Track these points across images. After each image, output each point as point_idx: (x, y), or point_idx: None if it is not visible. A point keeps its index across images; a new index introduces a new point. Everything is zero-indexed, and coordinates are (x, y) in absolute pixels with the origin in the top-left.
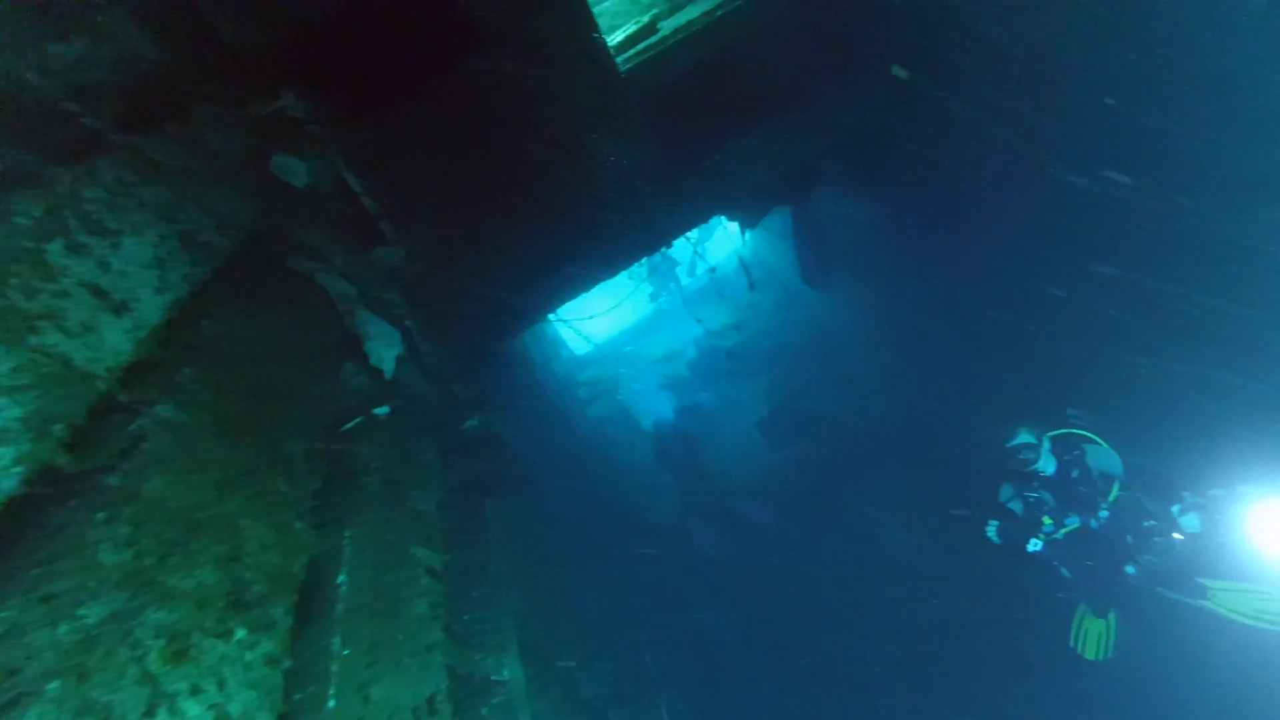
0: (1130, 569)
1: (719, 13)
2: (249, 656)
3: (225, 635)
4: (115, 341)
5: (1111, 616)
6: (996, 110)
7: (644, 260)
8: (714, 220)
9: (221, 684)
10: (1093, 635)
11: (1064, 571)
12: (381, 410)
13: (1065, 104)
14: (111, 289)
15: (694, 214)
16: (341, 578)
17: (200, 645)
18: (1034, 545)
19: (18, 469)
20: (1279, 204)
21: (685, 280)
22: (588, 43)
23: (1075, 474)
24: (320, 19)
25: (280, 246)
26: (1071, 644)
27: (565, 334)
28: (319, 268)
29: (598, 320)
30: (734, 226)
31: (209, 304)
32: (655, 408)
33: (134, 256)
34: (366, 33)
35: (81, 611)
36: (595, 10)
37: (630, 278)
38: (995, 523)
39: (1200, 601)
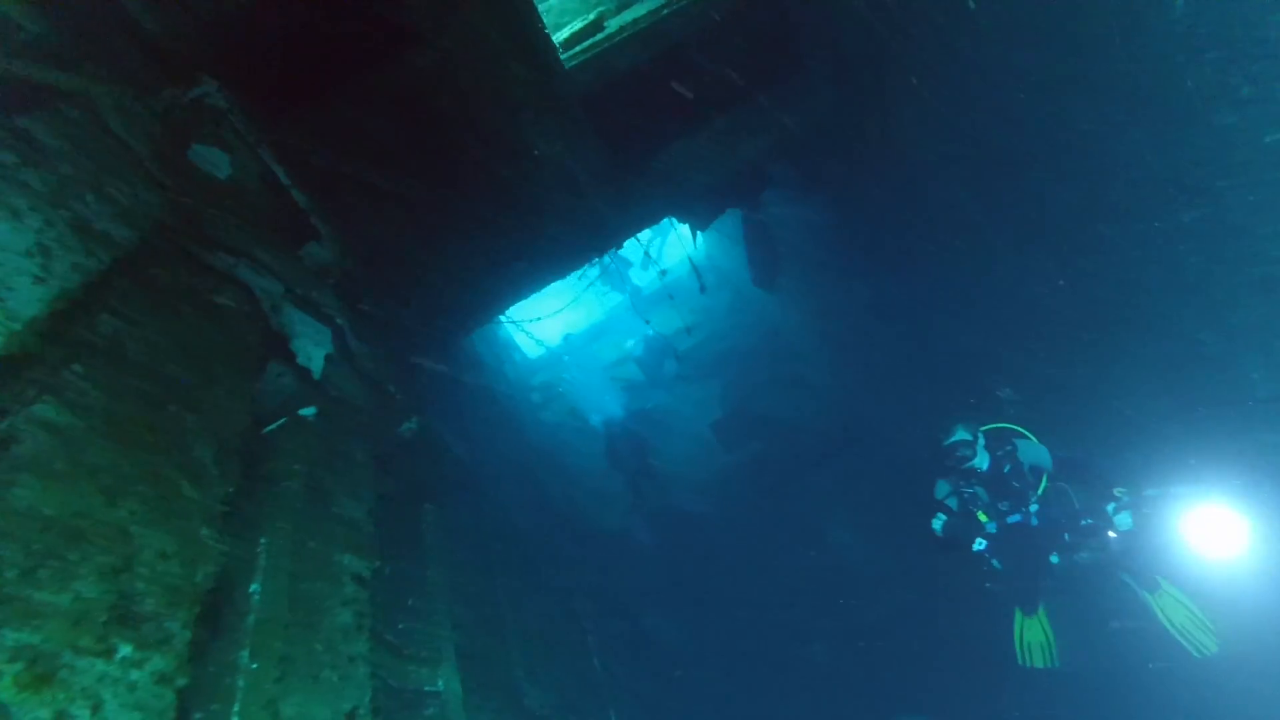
0: (1054, 558)
1: (665, 11)
2: (135, 675)
3: (106, 653)
4: None
5: (1042, 614)
6: (936, 113)
7: (595, 262)
8: (666, 223)
9: (97, 707)
10: (1036, 646)
11: (995, 563)
12: (308, 411)
13: (999, 106)
14: None
15: (643, 215)
16: (254, 587)
17: (73, 666)
18: (979, 545)
19: None
20: (1200, 206)
21: (638, 281)
22: (529, 37)
23: (1008, 469)
24: (246, 6)
25: (196, 240)
26: (1021, 663)
27: (518, 337)
28: (241, 263)
29: (549, 323)
30: (685, 229)
31: (108, 297)
32: (605, 405)
33: (9, 242)
34: (296, 21)
35: None
36: (541, 7)
37: (580, 279)
38: (943, 517)
39: (1146, 594)
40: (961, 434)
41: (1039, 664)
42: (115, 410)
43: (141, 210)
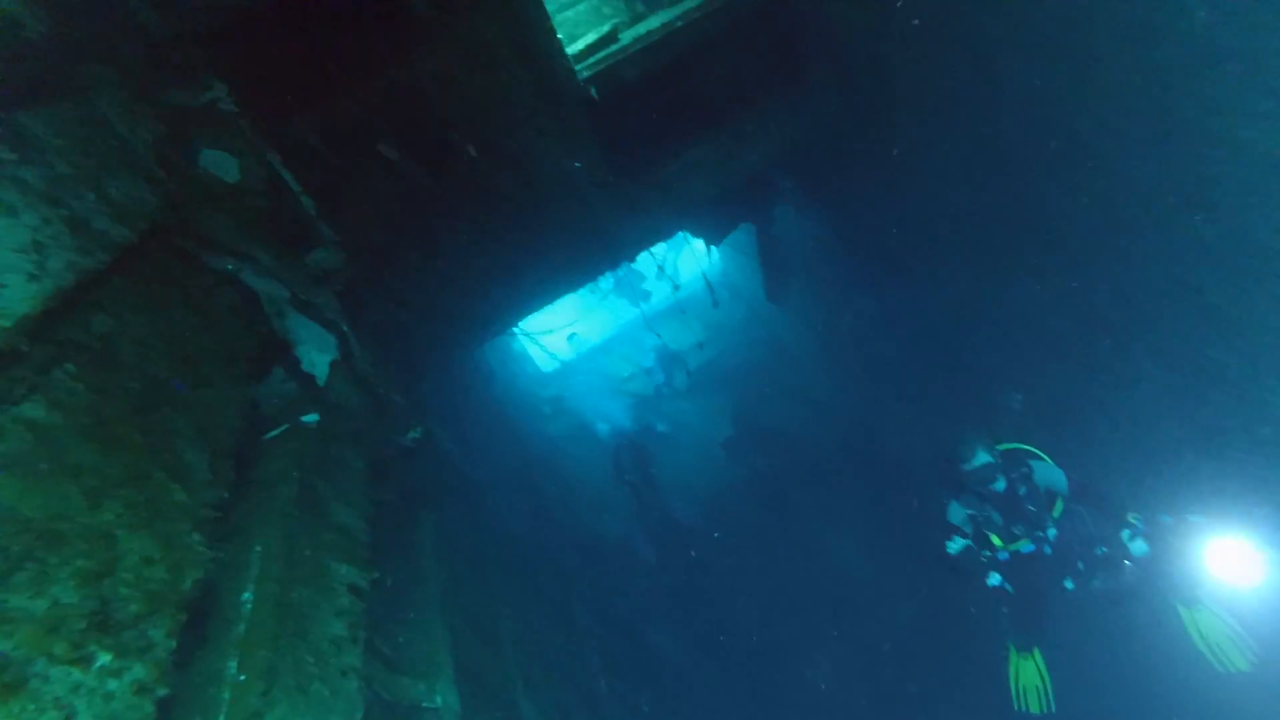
0: (1069, 584)
1: (679, 24)
2: (112, 685)
3: (82, 662)
4: None
5: (1037, 655)
6: (944, 124)
7: (607, 275)
8: (681, 238)
9: (69, 718)
10: (1030, 690)
11: (1007, 587)
12: (310, 418)
13: (1009, 118)
14: None
15: (654, 228)
16: (245, 595)
17: (45, 675)
18: (993, 580)
19: None
20: (1220, 222)
21: (652, 293)
22: (541, 48)
23: (1023, 491)
24: (256, 7)
25: (196, 242)
26: (1016, 707)
27: (532, 351)
28: (245, 267)
29: (561, 336)
30: (700, 244)
31: (104, 297)
32: (613, 417)
33: (3, 239)
34: (305, 24)
35: None
36: (557, 19)
37: (594, 292)
38: (959, 541)
39: (1180, 607)
40: (984, 457)
41: (1034, 709)
42: (105, 411)
43: (141, 210)
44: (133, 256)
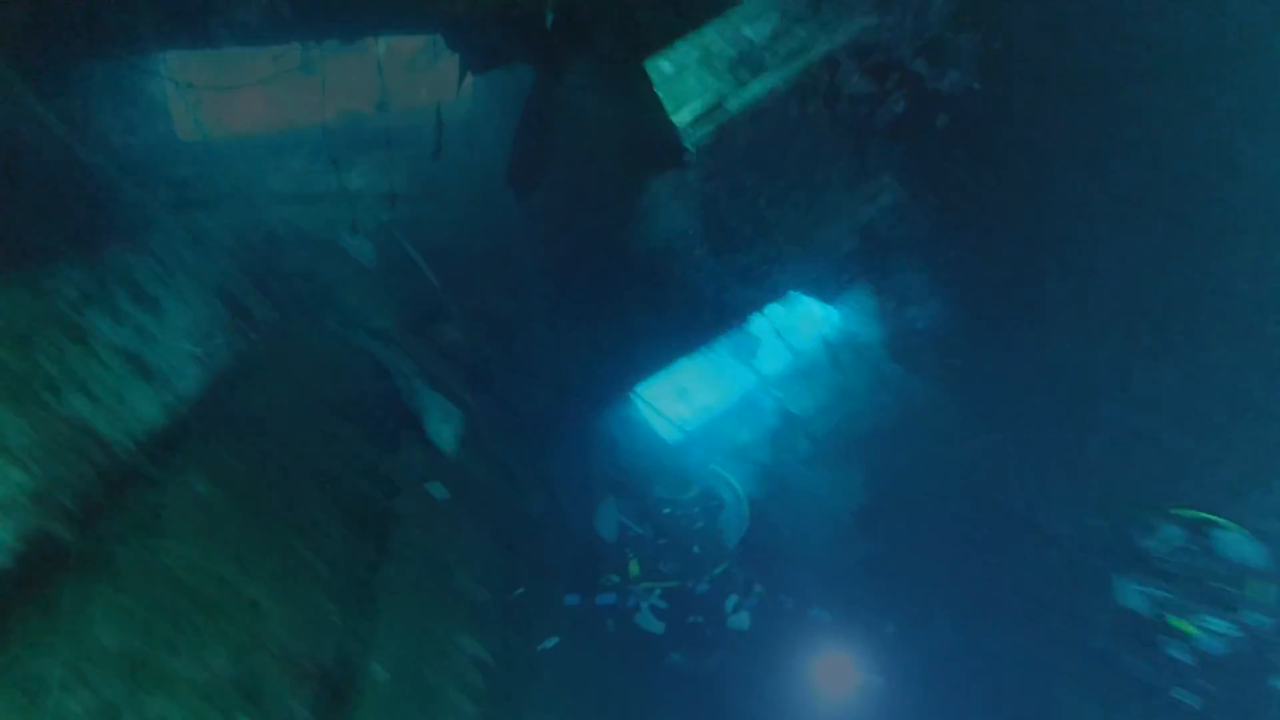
0: None
1: (783, 89)
2: None
3: None
4: (146, 410)
5: None
6: (1090, 179)
7: (722, 338)
8: (797, 299)
9: None
10: None
11: (1189, 699)
12: (438, 489)
13: (1158, 172)
14: (149, 356)
15: (766, 289)
16: (375, 667)
17: None
18: (1185, 697)
19: (13, 541)
20: None
21: (768, 359)
22: (650, 119)
23: (1205, 565)
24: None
25: (337, 320)
26: None
27: (656, 422)
28: (377, 343)
29: (681, 404)
30: (816, 305)
31: (257, 375)
32: (737, 486)
33: (178, 325)
34: None
35: (68, 701)
36: (663, 90)
37: (710, 356)
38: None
39: None
40: (1174, 530)
41: None
42: (255, 484)
43: (288, 294)
44: (283, 336)
